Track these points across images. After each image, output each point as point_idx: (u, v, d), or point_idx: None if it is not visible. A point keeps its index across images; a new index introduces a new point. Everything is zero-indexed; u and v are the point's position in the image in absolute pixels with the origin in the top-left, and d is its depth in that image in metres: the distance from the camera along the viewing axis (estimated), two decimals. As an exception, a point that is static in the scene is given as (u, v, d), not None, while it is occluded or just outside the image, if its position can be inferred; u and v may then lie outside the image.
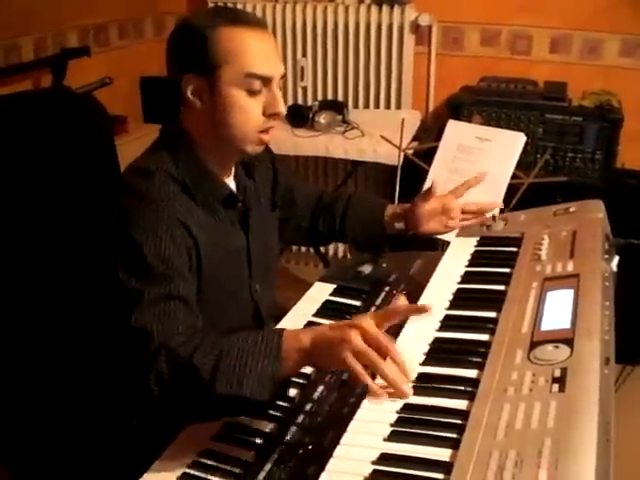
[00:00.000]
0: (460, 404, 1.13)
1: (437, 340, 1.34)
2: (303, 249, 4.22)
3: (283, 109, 1.47)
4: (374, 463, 1.03)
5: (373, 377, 1.15)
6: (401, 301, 1.26)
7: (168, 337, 1.26)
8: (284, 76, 1.52)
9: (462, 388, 1.17)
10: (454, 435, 1.05)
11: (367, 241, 1.95)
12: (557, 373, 1.08)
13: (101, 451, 1.69)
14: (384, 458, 1.03)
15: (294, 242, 3.07)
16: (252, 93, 1.43)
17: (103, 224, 1.45)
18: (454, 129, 2.30)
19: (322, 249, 4.03)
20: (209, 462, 1.27)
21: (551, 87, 3.32)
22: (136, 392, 1.28)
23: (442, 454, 1.02)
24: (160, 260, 1.35)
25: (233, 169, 1.61)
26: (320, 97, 3.87)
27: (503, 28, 3.60)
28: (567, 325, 1.22)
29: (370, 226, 1.91)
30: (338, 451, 1.06)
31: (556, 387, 1.05)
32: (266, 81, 1.44)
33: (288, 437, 1.28)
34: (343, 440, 1.08)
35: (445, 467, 0.99)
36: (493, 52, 3.63)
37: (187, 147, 1.50)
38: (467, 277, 1.58)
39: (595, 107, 3.14)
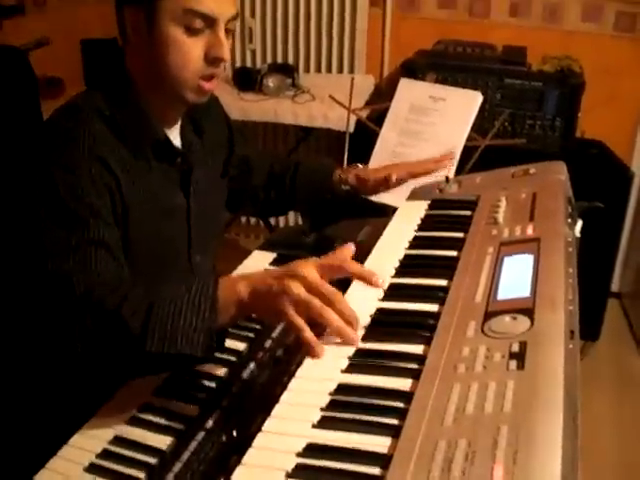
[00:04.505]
0: (403, 384, 0.99)
1: (380, 311, 1.20)
2: (252, 221, 4.12)
3: (228, 54, 1.35)
4: (299, 455, 0.88)
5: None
6: (347, 250, 1.19)
7: (91, 287, 1.18)
8: (236, 18, 1.37)
9: (406, 366, 1.03)
10: (395, 421, 0.91)
11: (317, 206, 1.87)
12: (515, 348, 0.95)
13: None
14: (311, 449, 0.88)
15: (250, 213, 2.97)
16: (191, 32, 1.31)
17: (21, 175, 1.33)
18: (406, 88, 2.17)
19: (272, 221, 3.91)
20: (120, 451, 1.12)
21: (510, 51, 3.24)
22: (59, 348, 1.21)
23: (380, 444, 0.87)
24: (78, 202, 1.25)
25: (179, 123, 1.50)
26: (269, 60, 3.74)
27: (461, -11, 3.48)
28: (526, 294, 1.09)
29: (318, 191, 1.83)
30: (258, 440, 0.91)
31: (514, 364, 0.92)
32: (209, 21, 1.31)
33: (211, 422, 1.15)
34: (265, 427, 0.93)
35: (382, 460, 0.84)
36: (450, 15, 3.52)
37: (124, 85, 1.39)
38: (416, 242, 1.45)
39: (555, 72, 3.06)
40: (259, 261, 1.71)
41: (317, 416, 0.95)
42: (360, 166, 1.80)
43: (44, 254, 1.22)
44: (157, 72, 1.34)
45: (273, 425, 0.94)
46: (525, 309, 1.04)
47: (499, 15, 3.45)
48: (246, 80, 3.40)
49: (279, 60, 3.73)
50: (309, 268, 1.11)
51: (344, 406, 0.96)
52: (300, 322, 1.08)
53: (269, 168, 1.86)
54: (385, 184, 1.72)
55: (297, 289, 1.08)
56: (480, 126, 2.20)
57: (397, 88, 2.18)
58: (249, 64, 3.77)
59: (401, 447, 0.83)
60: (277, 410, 0.97)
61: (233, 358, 1.30)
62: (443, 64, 3.12)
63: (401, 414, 0.91)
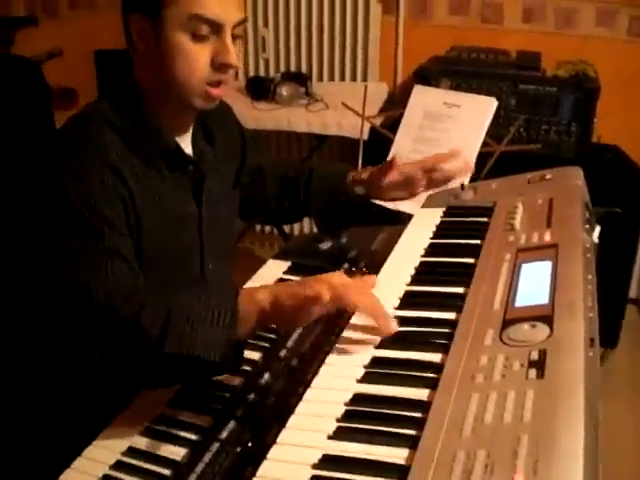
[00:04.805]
0: (420, 394, 0.97)
1: (396, 319, 1.17)
2: (267, 230, 4.10)
3: (235, 60, 1.33)
4: (315, 467, 0.86)
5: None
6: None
7: (108, 295, 1.17)
8: (242, 23, 1.36)
9: (423, 375, 1.01)
10: (412, 432, 0.89)
11: (331, 211, 1.82)
12: (534, 356, 0.94)
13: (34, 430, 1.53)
14: (327, 460, 0.87)
15: (264, 222, 2.97)
16: (198, 38, 1.29)
17: (34, 186, 1.32)
18: (420, 95, 2.16)
19: (287, 230, 3.90)
20: (134, 462, 1.11)
21: (524, 56, 3.22)
22: (75, 359, 1.21)
23: (397, 455, 0.86)
24: (92, 211, 1.24)
25: (190, 131, 1.48)
26: (283, 69, 3.73)
27: (473, -5, 3.45)
28: (545, 300, 1.07)
29: (333, 195, 1.78)
30: (273, 452, 0.89)
31: (533, 372, 0.90)
32: (216, 27, 1.29)
33: (225, 433, 1.13)
34: (280, 439, 0.92)
35: (399, 471, 0.83)
36: (463, 21, 3.50)
37: (133, 96, 1.37)
38: (432, 249, 1.43)
39: (570, 77, 3.02)
40: (274, 270, 1.70)
41: (333, 427, 0.93)
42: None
43: (59, 264, 1.22)
44: (164, 79, 1.33)
45: (288, 436, 0.92)
46: (544, 316, 1.02)
47: (512, 21, 3.43)
48: (259, 89, 3.39)
49: (292, 69, 3.72)
50: (336, 275, 1.15)
51: (360, 416, 0.95)
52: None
53: (283, 175, 1.83)
54: (401, 189, 1.69)
55: (326, 281, 1.11)
56: (495, 132, 2.18)
57: (411, 95, 2.17)
58: (262, 73, 3.76)
59: (419, 458, 0.82)
60: (292, 421, 0.95)
61: (248, 368, 1.28)
62: (457, 70, 3.09)
63: (418, 424, 0.89)
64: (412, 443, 0.86)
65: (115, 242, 1.25)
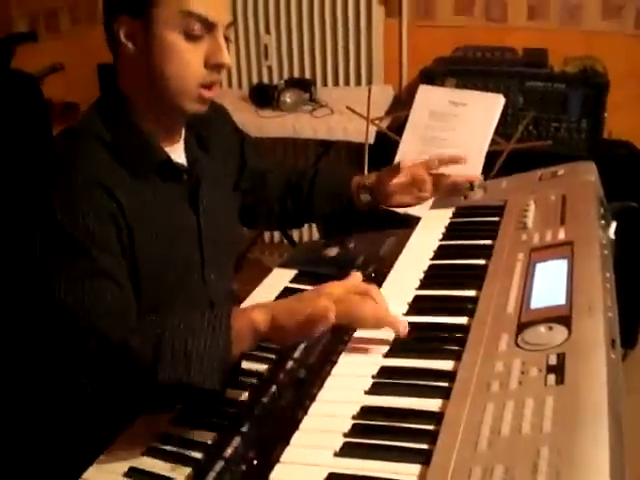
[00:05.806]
0: (432, 405, 0.93)
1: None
2: (276, 239, 4.06)
3: (229, 60, 1.31)
4: (320, 487, 0.81)
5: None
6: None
7: (96, 320, 1.16)
8: (232, 25, 1.35)
9: (435, 384, 0.98)
10: (424, 446, 0.85)
11: (334, 216, 1.79)
12: (553, 360, 0.90)
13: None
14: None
15: (265, 227, 2.94)
16: (191, 38, 1.27)
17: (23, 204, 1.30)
18: (426, 94, 2.11)
19: (296, 238, 3.86)
20: (135, 481, 1.08)
21: (531, 53, 3.17)
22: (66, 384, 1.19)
23: (408, 472, 0.82)
24: (79, 231, 1.21)
25: (182, 140, 1.45)
26: (286, 76, 3.69)
27: (477, -6, 3.41)
28: (562, 301, 1.03)
29: (336, 199, 1.75)
30: (276, 472, 0.85)
31: (552, 378, 0.86)
32: (208, 26, 1.28)
33: (230, 450, 1.08)
34: (284, 457, 0.87)
35: (412, 490, 0.78)
36: (467, 21, 3.44)
37: (121, 107, 1.34)
38: (441, 252, 1.40)
39: (578, 72, 2.98)
40: (279, 279, 1.66)
41: (339, 443, 0.89)
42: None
43: (46, 285, 1.20)
44: (155, 83, 1.30)
45: (292, 454, 0.88)
46: (561, 317, 0.98)
47: (517, 19, 3.37)
48: (263, 97, 3.36)
49: (296, 75, 3.69)
50: (334, 285, 1.12)
51: (368, 431, 0.91)
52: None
53: (285, 178, 1.80)
54: (407, 192, 1.65)
55: (331, 289, 1.09)
56: (503, 132, 2.13)
57: (416, 95, 2.12)
58: (266, 80, 3.73)
59: (432, 475, 0.78)
60: (296, 438, 0.91)
61: (254, 380, 1.24)
62: (462, 70, 3.05)
63: (431, 438, 0.86)
64: (424, 458, 0.83)
65: (103, 262, 1.23)
